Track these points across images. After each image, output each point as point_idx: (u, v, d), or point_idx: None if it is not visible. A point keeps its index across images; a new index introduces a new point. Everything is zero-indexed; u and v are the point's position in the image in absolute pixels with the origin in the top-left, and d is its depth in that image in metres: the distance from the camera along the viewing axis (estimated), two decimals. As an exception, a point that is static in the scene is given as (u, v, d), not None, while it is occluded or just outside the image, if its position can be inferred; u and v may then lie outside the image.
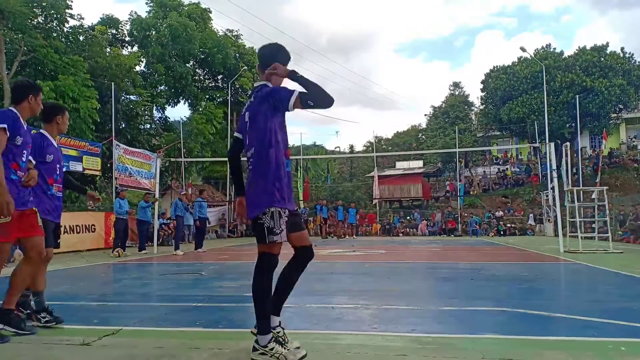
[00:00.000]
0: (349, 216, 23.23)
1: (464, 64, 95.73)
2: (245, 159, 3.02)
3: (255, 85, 3.06)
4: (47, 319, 3.67)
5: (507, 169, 35.07)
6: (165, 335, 3.53)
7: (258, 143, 2.83)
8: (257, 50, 3.35)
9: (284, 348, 2.72)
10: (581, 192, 12.59)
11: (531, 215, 25.69)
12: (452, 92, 47.05)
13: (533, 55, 31.26)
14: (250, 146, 2.89)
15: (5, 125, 3.30)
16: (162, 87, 25.00)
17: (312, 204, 26.90)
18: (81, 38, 18.81)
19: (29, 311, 3.72)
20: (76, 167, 14.78)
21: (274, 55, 2.98)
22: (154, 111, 25.10)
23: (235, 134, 3.12)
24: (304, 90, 2.78)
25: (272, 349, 2.69)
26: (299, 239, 2.94)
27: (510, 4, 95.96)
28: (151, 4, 25.36)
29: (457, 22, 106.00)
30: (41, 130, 3.90)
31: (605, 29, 76.08)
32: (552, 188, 14.52)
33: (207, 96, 27.24)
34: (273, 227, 2.73)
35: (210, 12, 26.90)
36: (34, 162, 3.70)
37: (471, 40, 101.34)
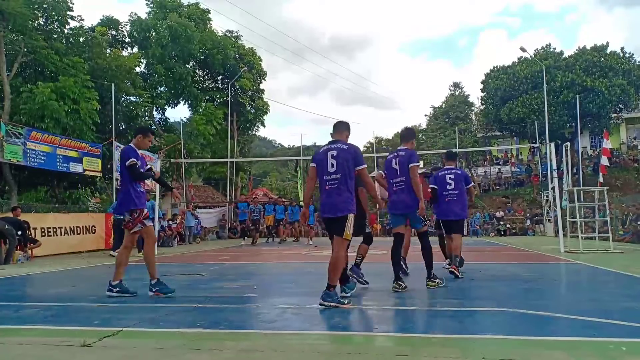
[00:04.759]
0: (293, 215, 20.17)
1: (466, 64, 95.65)
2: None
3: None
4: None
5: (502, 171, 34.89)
6: (165, 336, 3.52)
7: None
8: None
9: None
10: (581, 192, 12.56)
11: (531, 215, 25.68)
12: (453, 92, 47.08)
13: (533, 55, 31.27)
14: None
15: None
16: (162, 88, 24.96)
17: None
18: (81, 39, 18.80)
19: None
20: (76, 168, 14.76)
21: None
22: (154, 112, 25.09)
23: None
24: None
25: None
26: None
27: (514, 3, 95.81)
28: (151, 5, 25.37)
29: (460, 21, 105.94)
30: None
31: (610, 27, 75.82)
32: (553, 188, 14.51)
33: (207, 97, 27.22)
34: None
35: (209, 12, 26.93)
36: None
37: (474, 39, 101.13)
